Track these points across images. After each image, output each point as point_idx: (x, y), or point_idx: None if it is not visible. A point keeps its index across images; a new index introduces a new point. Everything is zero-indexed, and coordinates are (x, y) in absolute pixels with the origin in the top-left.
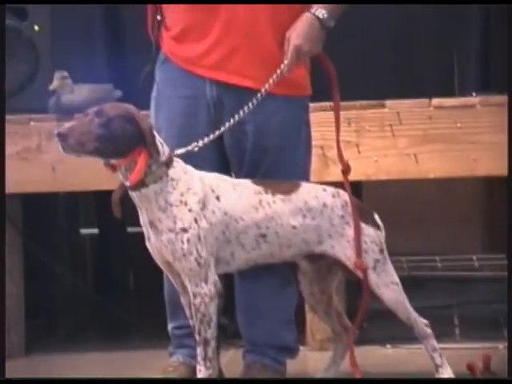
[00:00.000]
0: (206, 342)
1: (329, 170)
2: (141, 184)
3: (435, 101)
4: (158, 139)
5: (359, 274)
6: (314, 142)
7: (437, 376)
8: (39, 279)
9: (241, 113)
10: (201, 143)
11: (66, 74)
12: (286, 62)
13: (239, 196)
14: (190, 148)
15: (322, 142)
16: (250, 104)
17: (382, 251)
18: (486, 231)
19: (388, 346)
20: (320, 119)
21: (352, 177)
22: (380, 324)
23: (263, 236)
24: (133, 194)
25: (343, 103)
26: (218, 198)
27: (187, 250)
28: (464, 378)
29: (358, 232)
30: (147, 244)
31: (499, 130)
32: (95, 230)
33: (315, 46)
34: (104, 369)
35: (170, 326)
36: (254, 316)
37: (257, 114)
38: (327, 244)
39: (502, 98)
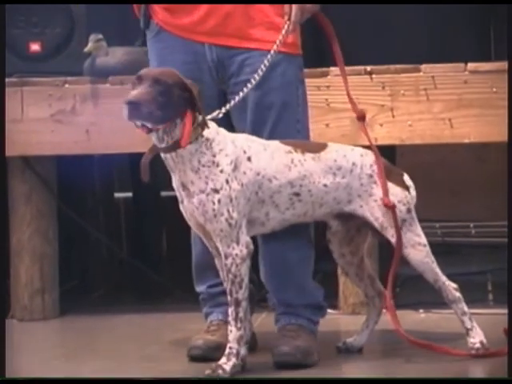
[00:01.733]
0: (237, 303)
1: (362, 133)
2: (177, 145)
3: (471, 65)
4: None
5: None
6: (347, 106)
7: (468, 339)
8: (73, 241)
9: (260, 72)
10: (223, 109)
11: (100, 36)
12: (291, 20)
13: (271, 156)
14: (214, 115)
15: None
16: (265, 62)
17: (409, 211)
18: None
19: (421, 310)
20: (353, 83)
21: (386, 141)
22: (412, 289)
23: (297, 195)
24: (167, 156)
25: (378, 67)
26: (249, 159)
27: (218, 211)
28: (465, 378)
29: (381, 175)
30: (180, 207)
31: None
32: (129, 194)
33: (315, 5)
34: (136, 331)
35: (200, 288)
36: (283, 278)
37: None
38: (356, 203)
39: None
